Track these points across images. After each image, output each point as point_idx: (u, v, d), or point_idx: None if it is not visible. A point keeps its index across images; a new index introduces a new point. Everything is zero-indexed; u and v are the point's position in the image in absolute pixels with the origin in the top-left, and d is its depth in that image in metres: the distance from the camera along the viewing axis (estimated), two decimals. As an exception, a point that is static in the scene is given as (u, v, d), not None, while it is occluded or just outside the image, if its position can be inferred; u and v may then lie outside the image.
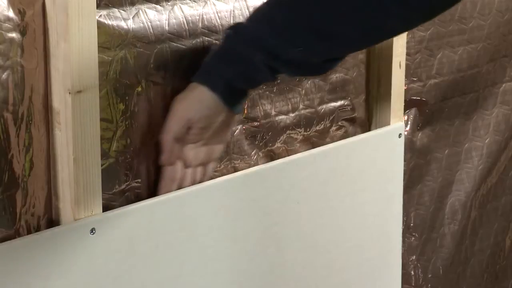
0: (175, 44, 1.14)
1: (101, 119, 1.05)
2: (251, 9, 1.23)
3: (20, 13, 0.97)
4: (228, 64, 1.11)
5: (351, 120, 1.44)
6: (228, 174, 1.22)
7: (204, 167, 1.17)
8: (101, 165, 1.05)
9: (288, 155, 1.31)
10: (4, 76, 0.96)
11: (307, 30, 1.07)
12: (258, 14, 1.11)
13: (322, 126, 1.38)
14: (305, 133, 1.35)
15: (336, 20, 1.06)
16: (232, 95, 1.13)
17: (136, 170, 1.11)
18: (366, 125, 1.47)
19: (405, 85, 1.49)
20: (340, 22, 1.06)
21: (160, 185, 1.14)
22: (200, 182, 1.16)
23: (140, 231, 1.09)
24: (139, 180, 1.12)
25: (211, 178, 1.19)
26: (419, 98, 1.59)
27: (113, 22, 1.06)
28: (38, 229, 1.02)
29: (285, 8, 1.09)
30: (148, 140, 1.12)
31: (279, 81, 1.28)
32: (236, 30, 1.11)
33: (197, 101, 1.11)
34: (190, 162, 1.15)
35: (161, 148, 1.12)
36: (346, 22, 1.06)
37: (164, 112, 1.12)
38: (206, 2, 1.18)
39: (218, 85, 1.11)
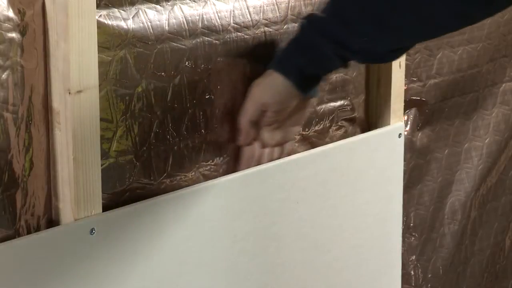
0: (175, 44, 1.14)
1: (101, 119, 1.05)
2: (251, 9, 1.23)
3: (20, 13, 0.97)
4: (301, 52, 1.18)
5: (351, 120, 1.44)
6: (227, 174, 1.22)
7: (281, 147, 1.25)
8: (101, 165, 1.05)
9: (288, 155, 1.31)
10: (4, 76, 0.96)
11: (372, 22, 1.12)
12: (329, 5, 1.16)
13: (321, 126, 1.38)
14: (305, 133, 1.35)
15: (397, 12, 1.11)
16: (305, 81, 1.19)
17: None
18: (366, 125, 1.47)
19: (405, 85, 1.49)
20: (402, 14, 1.11)
21: (240, 163, 1.23)
22: (278, 158, 1.25)
23: (140, 231, 1.09)
24: (141, 180, 1.12)
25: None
26: (419, 98, 1.59)
27: (113, 22, 1.06)
28: (38, 229, 1.02)
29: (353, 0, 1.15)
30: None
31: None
32: (309, 20, 1.18)
33: (271, 87, 1.19)
34: (267, 142, 1.23)
35: (238, 130, 1.21)
36: (408, 14, 1.10)
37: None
38: (206, 2, 1.18)
39: (291, 72, 1.18)
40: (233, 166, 1.23)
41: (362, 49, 1.15)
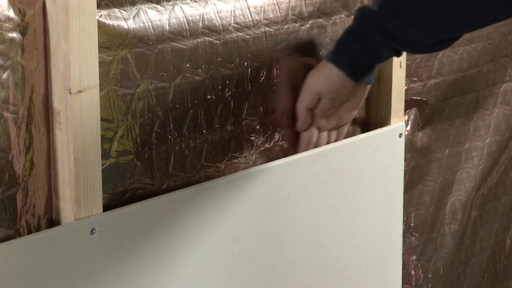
0: (175, 44, 1.14)
1: (102, 119, 1.05)
2: (252, 9, 1.23)
3: (21, 13, 0.97)
4: (354, 43, 1.24)
5: (351, 120, 1.44)
6: (228, 174, 1.22)
7: (338, 130, 1.34)
8: (102, 165, 1.05)
9: (287, 155, 1.31)
10: (4, 76, 0.96)
11: (419, 14, 1.17)
12: None
13: (322, 126, 1.38)
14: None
15: (445, 5, 1.14)
16: (358, 71, 1.26)
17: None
18: (366, 125, 1.47)
19: (405, 85, 1.49)
20: (450, 7, 1.14)
21: (299, 147, 1.32)
22: (335, 141, 1.34)
23: (140, 231, 1.09)
24: (142, 180, 1.12)
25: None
26: (419, 98, 1.59)
27: (114, 22, 1.06)
28: (38, 229, 1.02)
29: None
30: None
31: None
32: (361, 12, 1.23)
33: (325, 77, 1.26)
34: (324, 127, 1.31)
35: (296, 116, 1.28)
36: (456, 7, 1.14)
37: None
38: (206, 2, 1.18)
39: (344, 63, 1.24)
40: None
41: (411, 40, 1.20)
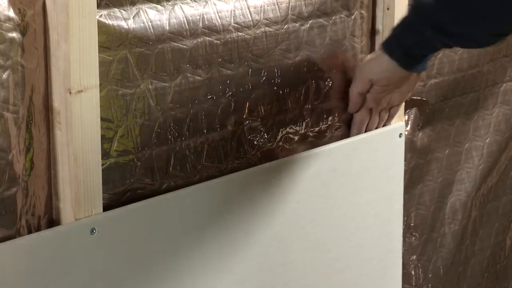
0: (175, 44, 1.14)
1: (102, 119, 1.05)
2: (252, 9, 1.23)
3: (21, 12, 0.97)
4: (405, 34, 1.29)
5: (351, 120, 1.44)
6: (228, 174, 1.22)
7: (389, 111, 1.42)
8: (102, 165, 1.05)
9: (287, 155, 1.31)
10: (4, 76, 0.96)
11: (468, 10, 1.20)
12: None
13: (321, 126, 1.38)
14: (304, 133, 1.35)
15: (491, 2, 1.17)
16: (409, 60, 1.31)
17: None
18: (366, 125, 1.47)
19: (405, 85, 1.49)
20: (496, 4, 1.16)
21: (352, 128, 1.41)
22: (386, 122, 1.43)
23: (140, 231, 1.09)
24: (142, 180, 1.12)
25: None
26: (419, 98, 1.59)
27: (114, 22, 1.06)
28: (38, 228, 1.02)
29: None
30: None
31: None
32: (414, 4, 1.28)
33: (377, 65, 1.33)
34: (375, 109, 1.40)
35: (349, 100, 1.38)
36: (501, 4, 1.16)
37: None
38: (206, 2, 1.18)
39: (396, 53, 1.30)
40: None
41: (457, 34, 1.23)
